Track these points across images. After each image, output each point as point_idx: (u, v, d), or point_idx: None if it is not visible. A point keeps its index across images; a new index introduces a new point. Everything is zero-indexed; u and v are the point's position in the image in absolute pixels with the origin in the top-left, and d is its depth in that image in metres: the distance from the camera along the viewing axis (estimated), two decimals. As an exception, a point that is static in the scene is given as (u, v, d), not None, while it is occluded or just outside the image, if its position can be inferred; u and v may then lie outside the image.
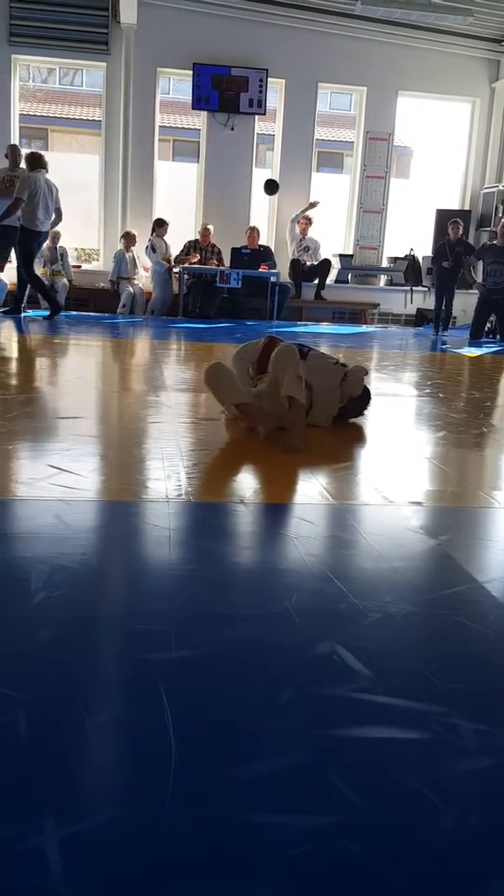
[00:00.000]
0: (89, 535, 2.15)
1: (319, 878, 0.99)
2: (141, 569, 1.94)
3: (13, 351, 6.19)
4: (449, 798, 1.14)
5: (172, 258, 9.55)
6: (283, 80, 9.92)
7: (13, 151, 8.46)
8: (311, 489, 2.67)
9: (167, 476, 2.65)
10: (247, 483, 2.80)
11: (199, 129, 10.41)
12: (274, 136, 10.58)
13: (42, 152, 7.99)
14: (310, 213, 10.08)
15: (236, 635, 1.57)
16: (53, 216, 7.80)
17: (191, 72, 9.60)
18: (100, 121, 10.13)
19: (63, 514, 2.25)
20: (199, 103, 9.73)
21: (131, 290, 9.40)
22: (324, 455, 3.09)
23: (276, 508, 2.48)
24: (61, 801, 1.08)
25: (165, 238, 9.56)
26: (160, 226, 9.52)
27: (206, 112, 9.87)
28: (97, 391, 4.53)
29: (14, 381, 4.67)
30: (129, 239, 9.48)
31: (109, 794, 1.11)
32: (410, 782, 1.18)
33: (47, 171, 7.79)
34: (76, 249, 10.43)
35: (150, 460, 2.90)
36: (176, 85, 12.40)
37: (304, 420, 3.22)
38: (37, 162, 7.72)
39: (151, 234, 9.51)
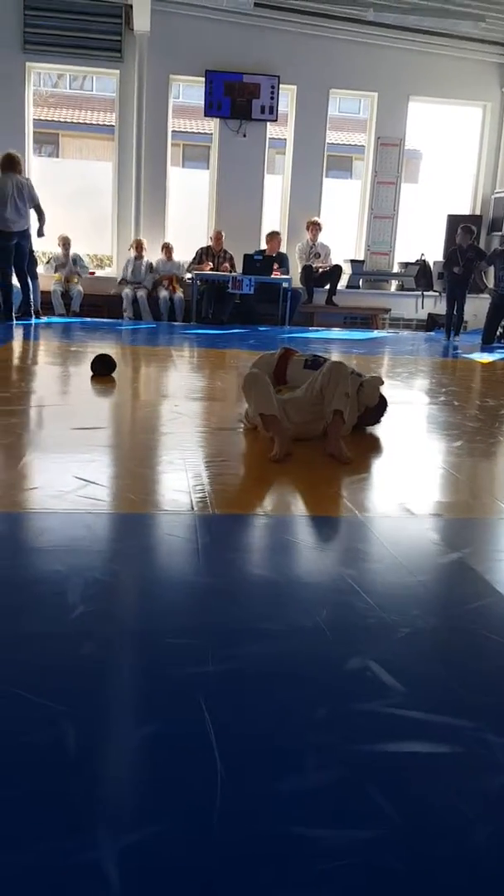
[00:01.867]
0: (120, 549, 2.20)
1: (357, 893, 1.03)
2: (172, 583, 1.99)
3: (27, 359, 6.26)
4: (482, 813, 1.18)
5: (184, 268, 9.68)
6: (295, 87, 9.98)
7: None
8: (333, 500, 2.72)
9: (191, 487, 2.70)
10: (269, 494, 2.84)
11: (209, 134, 10.48)
12: (285, 140, 10.64)
13: (14, 153, 7.97)
14: (318, 218, 10.14)
15: (270, 650, 1.62)
16: (27, 216, 7.80)
17: (203, 79, 9.66)
18: (110, 125, 10.21)
19: (93, 527, 2.30)
20: (211, 110, 9.79)
21: (128, 292, 9.47)
22: (342, 465, 3.13)
23: (298, 520, 2.53)
24: (113, 813, 1.13)
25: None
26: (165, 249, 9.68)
27: (218, 119, 9.93)
28: (113, 399, 4.58)
29: (30, 390, 4.73)
30: (139, 247, 9.59)
31: (160, 807, 1.15)
32: (445, 797, 1.22)
33: (20, 173, 7.86)
34: (88, 256, 10.50)
35: (173, 471, 2.94)
36: (185, 89, 12.45)
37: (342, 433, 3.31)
38: (7, 165, 7.80)
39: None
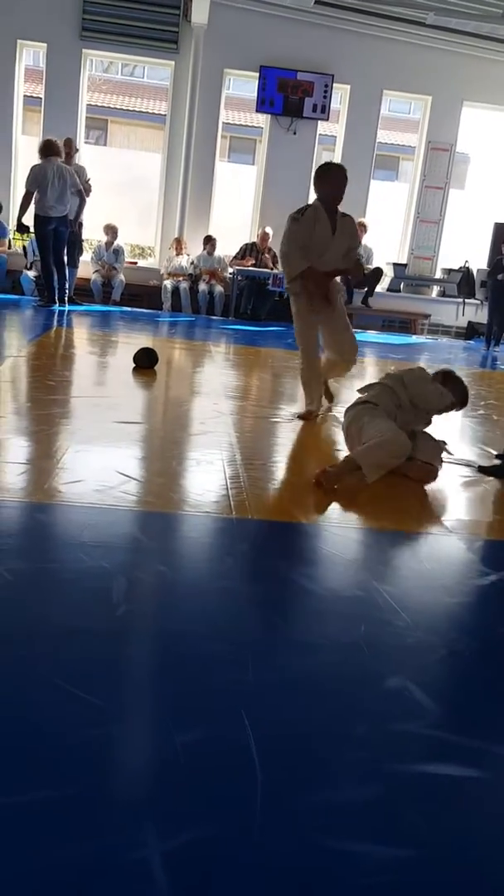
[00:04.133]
0: (161, 549, 2.25)
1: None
2: (212, 587, 2.03)
3: (70, 347, 6.34)
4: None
5: (228, 260, 9.72)
6: (348, 86, 9.94)
7: (66, 145, 8.57)
8: (370, 513, 2.74)
9: (230, 489, 2.74)
10: (305, 502, 2.87)
11: (256, 126, 10.48)
12: (335, 137, 10.60)
13: (54, 139, 8.01)
14: (364, 219, 10.11)
15: (310, 663, 1.65)
16: (67, 203, 7.85)
17: (257, 74, 9.66)
18: (159, 114, 10.27)
19: (135, 525, 2.35)
20: (263, 106, 9.79)
21: (167, 285, 9.53)
22: (382, 478, 3.14)
23: (337, 531, 2.55)
24: (161, 815, 1.17)
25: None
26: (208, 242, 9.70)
27: (269, 115, 9.92)
28: (154, 394, 4.63)
29: (72, 380, 4.80)
30: (178, 246, 9.66)
31: (204, 812, 1.19)
32: (481, 821, 1.25)
33: (61, 158, 7.91)
34: (129, 245, 10.58)
35: (213, 472, 2.98)
36: (234, 81, 12.46)
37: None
38: (48, 150, 7.85)
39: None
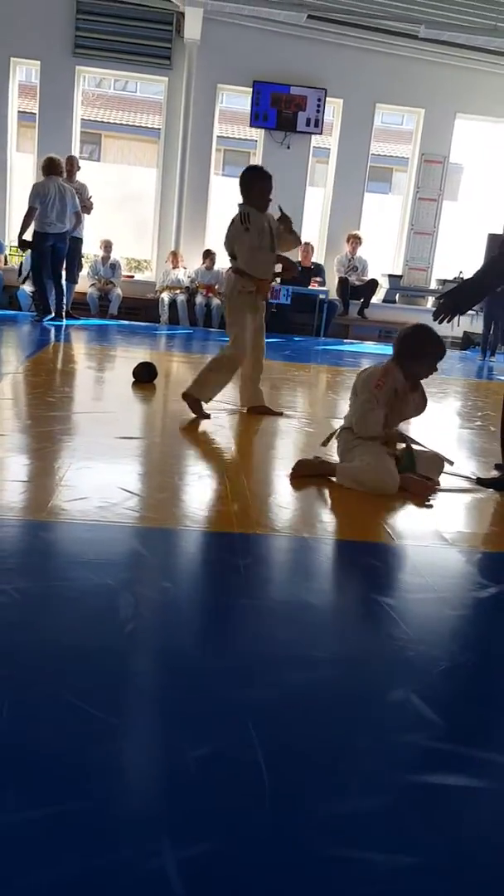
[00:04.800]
0: (166, 565, 2.28)
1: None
2: (217, 602, 2.06)
3: (68, 362, 6.38)
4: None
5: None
6: (341, 100, 10.04)
7: (69, 162, 8.70)
8: (374, 526, 2.77)
9: (232, 504, 2.77)
10: (309, 517, 2.91)
11: (249, 140, 10.58)
12: (327, 149, 10.71)
13: (56, 157, 8.16)
14: (359, 232, 10.21)
15: (313, 677, 1.68)
16: (66, 220, 7.98)
17: (250, 89, 9.75)
18: (153, 128, 10.37)
19: (140, 541, 2.38)
20: (256, 121, 9.89)
21: (165, 298, 9.61)
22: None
23: (340, 545, 2.59)
24: (174, 826, 1.20)
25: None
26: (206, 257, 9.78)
27: (262, 129, 10.01)
28: (154, 408, 4.67)
29: (72, 396, 4.84)
30: (174, 259, 9.73)
31: (216, 824, 1.22)
32: (487, 829, 1.28)
33: (62, 176, 8.04)
34: (125, 259, 10.66)
35: (215, 487, 3.02)
36: (227, 95, 12.58)
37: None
38: (50, 168, 7.99)
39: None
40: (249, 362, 4.45)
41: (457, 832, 1.27)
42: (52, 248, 7.96)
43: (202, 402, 4.24)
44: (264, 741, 1.43)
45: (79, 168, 8.79)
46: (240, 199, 4.25)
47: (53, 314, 8.28)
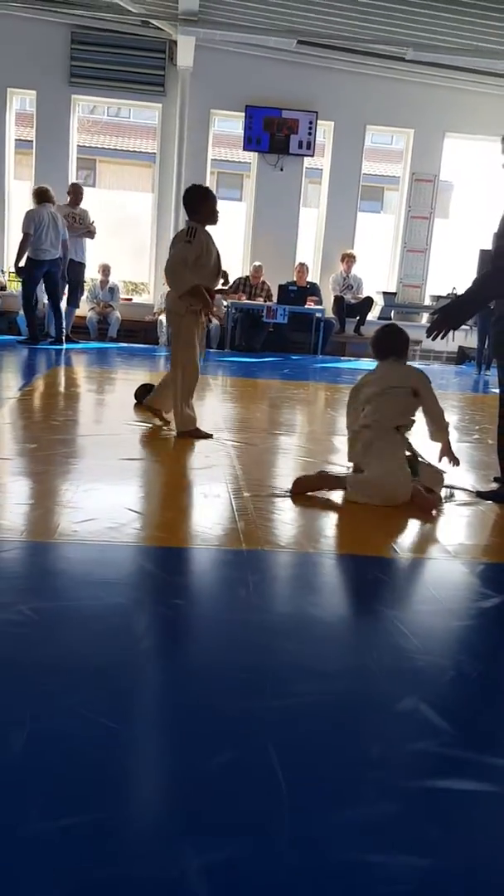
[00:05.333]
0: (177, 582, 2.33)
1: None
2: (227, 618, 2.11)
3: (71, 386, 6.44)
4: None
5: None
6: (332, 123, 10.20)
7: (74, 190, 8.85)
8: (379, 540, 2.82)
9: (238, 522, 2.82)
10: (314, 532, 2.95)
11: (243, 162, 10.71)
12: (319, 169, 10.86)
13: (46, 187, 8.35)
14: (353, 251, 10.34)
15: (325, 688, 1.72)
16: (59, 246, 8.15)
17: (243, 113, 9.91)
18: (147, 152, 10.51)
19: (149, 561, 2.43)
20: (250, 145, 10.03)
21: (163, 320, 9.70)
22: (385, 507, 3.22)
23: (345, 560, 2.64)
24: (195, 833, 1.24)
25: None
26: None
27: (256, 153, 10.16)
28: (156, 430, 4.73)
29: (76, 419, 4.90)
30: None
31: (236, 831, 1.26)
32: (497, 832, 1.32)
33: (53, 205, 8.22)
34: (123, 282, 10.77)
35: (221, 505, 3.07)
36: (220, 119, 12.76)
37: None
38: (42, 196, 8.18)
39: None
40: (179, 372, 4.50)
41: (470, 835, 1.31)
42: (47, 274, 8.11)
43: (195, 426, 4.36)
44: (280, 751, 1.47)
45: (82, 196, 8.96)
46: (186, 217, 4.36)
47: (54, 338, 8.39)
